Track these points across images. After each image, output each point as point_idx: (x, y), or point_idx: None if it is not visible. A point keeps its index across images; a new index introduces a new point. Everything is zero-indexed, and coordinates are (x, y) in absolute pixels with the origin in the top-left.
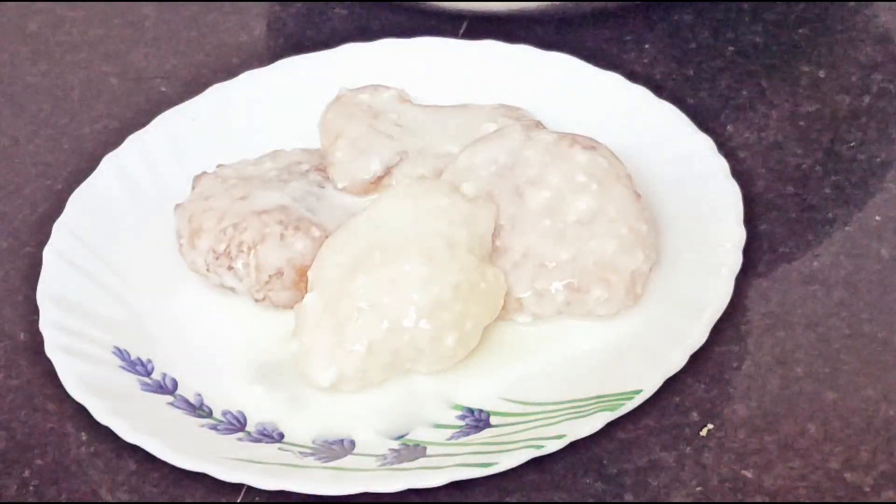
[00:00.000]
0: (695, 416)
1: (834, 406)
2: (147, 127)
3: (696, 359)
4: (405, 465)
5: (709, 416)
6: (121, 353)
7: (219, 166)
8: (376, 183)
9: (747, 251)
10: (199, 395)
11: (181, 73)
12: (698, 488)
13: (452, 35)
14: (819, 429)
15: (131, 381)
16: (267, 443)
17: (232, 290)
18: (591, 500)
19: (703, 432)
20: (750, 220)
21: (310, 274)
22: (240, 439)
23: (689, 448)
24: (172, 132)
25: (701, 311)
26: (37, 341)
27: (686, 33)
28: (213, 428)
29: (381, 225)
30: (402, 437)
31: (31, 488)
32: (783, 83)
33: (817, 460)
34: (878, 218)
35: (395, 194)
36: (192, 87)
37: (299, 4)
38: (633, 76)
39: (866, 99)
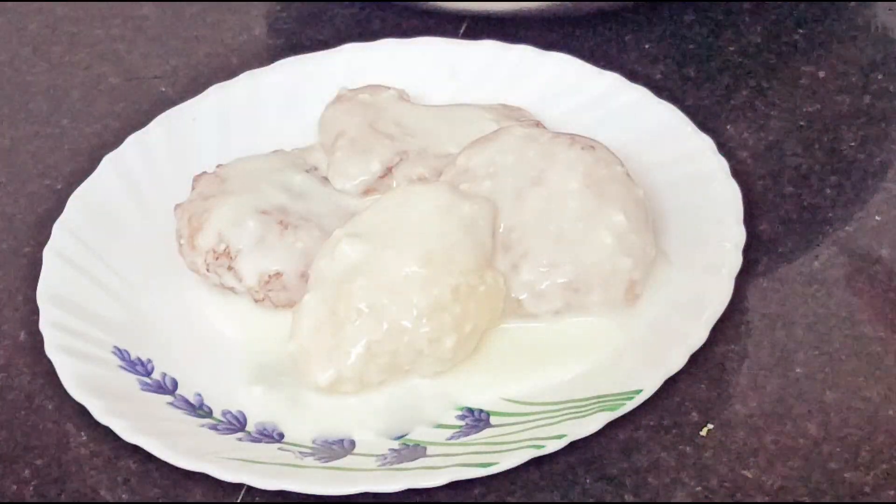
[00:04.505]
0: (695, 416)
1: (834, 406)
2: (147, 127)
3: (696, 359)
4: (405, 465)
5: (709, 416)
6: (121, 353)
7: (219, 166)
8: (376, 183)
9: (747, 251)
10: (199, 395)
11: (181, 73)
12: (698, 488)
13: (452, 35)
14: (819, 429)
15: (131, 381)
16: (267, 443)
17: (232, 290)
18: (591, 500)
19: (703, 432)
20: (750, 220)
21: (309, 274)
22: (240, 439)
23: (689, 448)
24: (172, 132)
25: (701, 311)
26: (37, 341)
27: (686, 33)
28: (213, 428)
29: (380, 226)
30: (402, 437)
31: (31, 488)
32: (783, 83)
33: (817, 460)
34: (878, 218)
35: (394, 195)
36: (192, 87)
37: (299, 4)
38: (633, 76)
39: (866, 99)
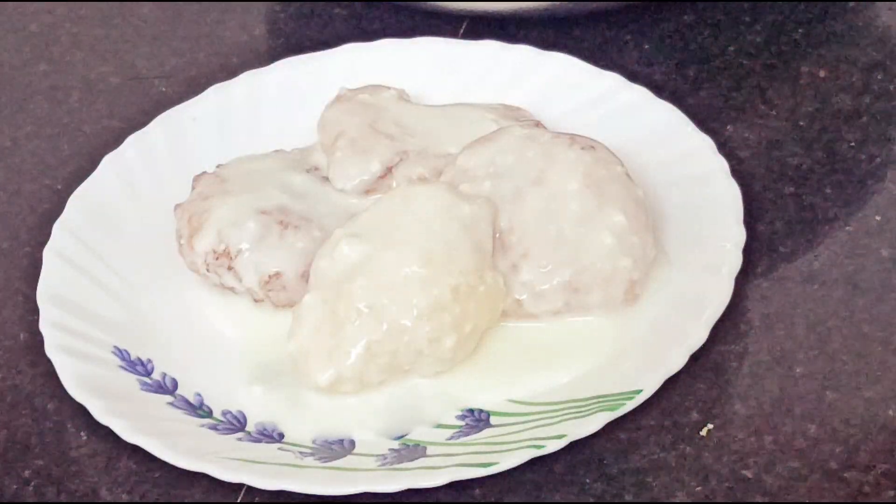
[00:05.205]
0: (695, 416)
1: (834, 406)
2: (147, 127)
3: (696, 359)
4: (405, 465)
5: (709, 416)
6: (121, 353)
7: (219, 166)
8: (376, 183)
9: (747, 251)
10: (199, 395)
11: (181, 73)
12: (698, 488)
13: (452, 35)
14: (819, 429)
15: (131, 381)
16: (267, 443)
17: (232, 290)
18: (591, 500)
19: (703, 432)
20: (750, 220)
21: (309, 274)
22: (240, 439)
23: (689, 448)
24: (172, 132)
25: (701, 311)
26: (37, 341)
27: (686, 33)
28: (213, 428)
29: (380, 226)
30: (402, 437)
31: (31, 488)
32: (783, 83)
33: (817, 460)
34: (878, 218)
35: (394, 195)
36: (192, 87)
37: (299, 4)
38: (633, 76)
39: (866, 99)
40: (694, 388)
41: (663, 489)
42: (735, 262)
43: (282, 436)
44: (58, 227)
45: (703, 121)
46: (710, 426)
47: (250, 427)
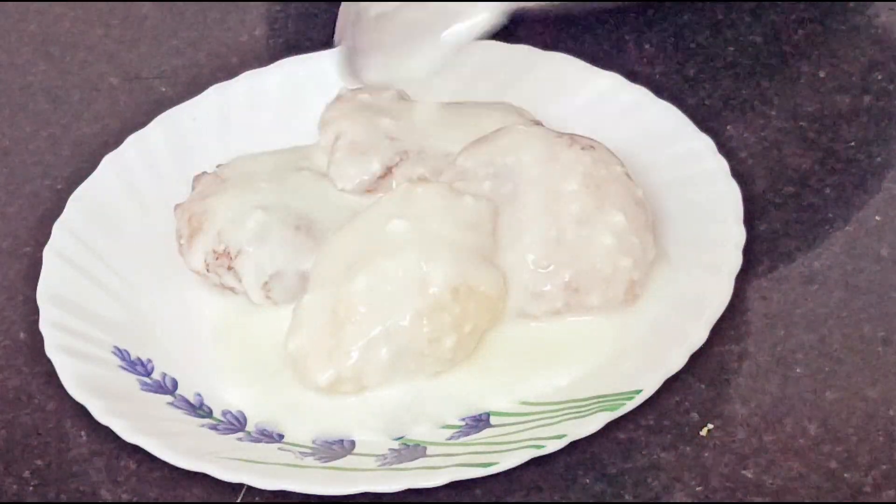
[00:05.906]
0: (695, 416)
1: (834, 406)
2: (147, 127)
3: (696, 359)
4: (405, 465)
5: (709, 416)
6: (121, 353)
7: (219, 166)
8: (376, 183)
9: (747, 251)
10: (199, 395)
11: (181, 73)
12: (698, 488)
13: None
14: (819, 429)
15: (131, 381)
16: (267, 443)
17: (232, 290)
18: (591, 500)
19: (703, 432)
20: (750, 220)
21: (309, 274)
22: (240, 439)
23: (689, 448)
24: (172, 132)
25: (701, 311)
26: (37, 341)
27: (686, 33)
28: (213, 428)
29: (380, 226)
30: (401, 437)
31: (31, 488)
32: (783, 83)
33: (817, 460)
34: (878, 218)
35: (394, 195)
36: (192, 87)
37: (299, 4)
38: (633, 76)
39: (866, 99)
40: (694, 388)
41: (663, 489)
42: (735, 262)
43: (282, 436)
44: (58, 227)
45: (703, 121)
46: (710, 426)
47: (250, 427)
